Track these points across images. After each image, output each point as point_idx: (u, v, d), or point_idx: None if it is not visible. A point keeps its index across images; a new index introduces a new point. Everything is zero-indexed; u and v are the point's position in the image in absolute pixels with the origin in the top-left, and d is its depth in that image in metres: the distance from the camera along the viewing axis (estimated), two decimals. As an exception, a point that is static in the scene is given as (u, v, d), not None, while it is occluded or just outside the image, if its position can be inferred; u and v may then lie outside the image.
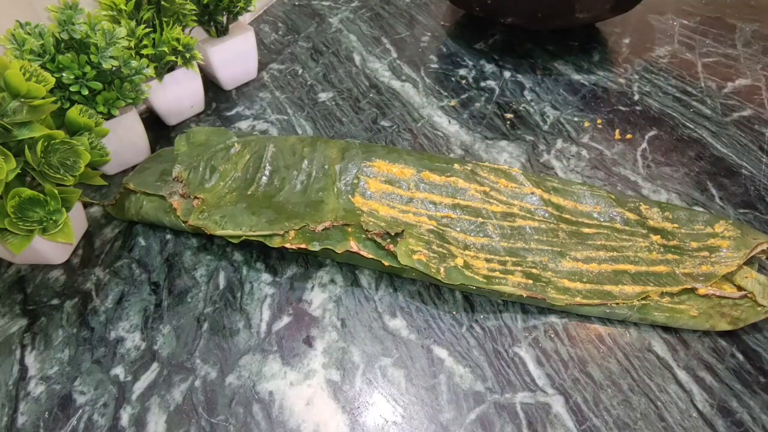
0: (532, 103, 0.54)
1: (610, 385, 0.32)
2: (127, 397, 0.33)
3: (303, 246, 0.37)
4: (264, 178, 0.44)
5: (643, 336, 0.35)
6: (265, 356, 0.35)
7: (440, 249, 0.37)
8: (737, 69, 0.57)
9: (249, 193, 0.43)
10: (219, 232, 0.39)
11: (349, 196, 0.42)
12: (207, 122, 0.54)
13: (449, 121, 0.53)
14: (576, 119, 0.52)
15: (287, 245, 0.37)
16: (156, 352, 0.35)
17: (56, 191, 0.35)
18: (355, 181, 0.43)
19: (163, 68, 0.48)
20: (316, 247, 0.37)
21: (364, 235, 0.38)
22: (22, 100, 0.34)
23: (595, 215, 0.41)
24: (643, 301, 0.35)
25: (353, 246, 0.37)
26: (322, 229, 0.38)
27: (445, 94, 0.56)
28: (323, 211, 0.40)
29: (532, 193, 0.41)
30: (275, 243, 0.38)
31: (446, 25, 0.68)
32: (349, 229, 0.38)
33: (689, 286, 0.36)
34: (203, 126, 0.53)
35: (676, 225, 0.40)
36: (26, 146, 0.34)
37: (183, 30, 0.48)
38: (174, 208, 0.41)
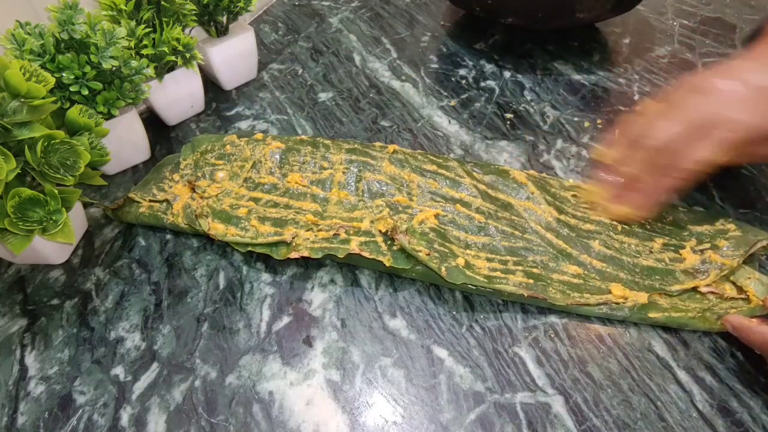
0: (532, 103, 0.54)
1: (610, 385, 0.32)
2: (127, 397, 0.33)
3: (306, 254, 0.37)
4: (267, 179, 0.44)
5: (643, 336, 0.35)
6: (265, 356, 0.35)
7: (441, 248, 0.37)
8: (737, 69, 0.57)
9: (253, 194, 0.43)
10: (227, 239, 0.39)
11: (351, 196, 0.42)
12: (207, 122, 0.54)
13: (449, 121, 0.53)
14: (576, 119, 0.52)
15: (291, 255, 0.37)
16: (156, 352, 0.35)
17: (56, 191, 0.35)
18: (357, 181, 0.43)
19: (163, 68, 0.48)
20: (318, 254, 0.37)
21: (364, 236, 0.38)
22: (22, 100, 0.33)
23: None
24: (643, 301, 0.35)
25: (354, 248, 0.37)
26: (330, 232, 0.38)
27: (445, 94, 0.56)
28: (327, 211, 0.40)
29: (533, 193, 0.41)
30: (281, 255, 0.38)
31: (446, 25, 0.68)
32: (350, 232, 0.38)
33: (689, 286, 0.36)
34: (205, 130, 0.53)
35: (676, 224, 0.40)
36: (26, 146, 0.34)
37: (183, 30, 0.48)
38: (175, 211, 0.41)
